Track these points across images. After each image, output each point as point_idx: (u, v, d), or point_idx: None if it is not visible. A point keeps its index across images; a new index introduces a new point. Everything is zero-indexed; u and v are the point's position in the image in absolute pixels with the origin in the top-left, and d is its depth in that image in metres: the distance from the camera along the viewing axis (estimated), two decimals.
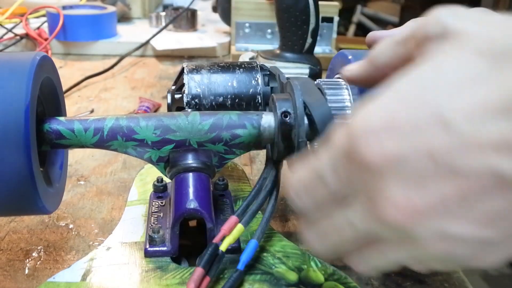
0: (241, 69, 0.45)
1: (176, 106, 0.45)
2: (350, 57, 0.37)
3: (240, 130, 0.39)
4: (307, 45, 0.75)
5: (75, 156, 0.59)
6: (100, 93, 0.82)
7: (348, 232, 0.25)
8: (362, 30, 3.53)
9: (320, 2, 0.75)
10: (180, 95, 0.44)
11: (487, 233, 0.21)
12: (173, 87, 0.45)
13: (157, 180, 0.46)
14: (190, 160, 0.39)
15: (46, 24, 1.03)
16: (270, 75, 0.45)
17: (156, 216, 0.42)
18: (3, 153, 0.32)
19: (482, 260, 0.22)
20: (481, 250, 0.22)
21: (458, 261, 0.23)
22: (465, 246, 0.22)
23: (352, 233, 0.25)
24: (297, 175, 0.26)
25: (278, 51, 0.78)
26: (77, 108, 0.74)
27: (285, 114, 0.38)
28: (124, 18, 1.21)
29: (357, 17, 3.56)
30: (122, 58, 0.96)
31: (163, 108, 0.74)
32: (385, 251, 0.24)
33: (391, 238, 0.23)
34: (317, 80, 0.39)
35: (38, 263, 0.41)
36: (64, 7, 1.04)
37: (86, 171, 0.56)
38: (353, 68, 0.34)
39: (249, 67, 0.45)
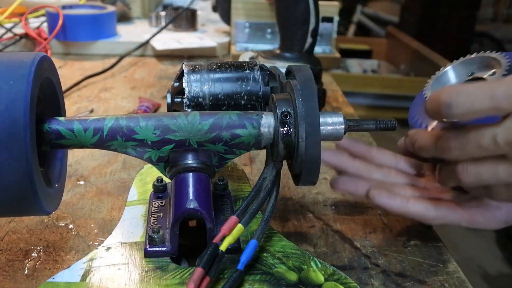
0: (241, 69, 0.45)
1: (176, 106, 0.45)
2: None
3: (240, 130, 0.39)
4: (307, 45, 0.75)
5: (74, 156, 0.59)
6: (99, 93, 0.82)
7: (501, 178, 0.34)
8: (362, 30, 3.53)
9: (320, 2, 0.75)
10: (180, 99, 0.44)
11: None
12: (175, 84, 0.45)
13: (157, 180, 0.46)
14: (190, 160, 0.39)
15: (45, 24, 1.03)
16: (270, 75, 0.45)
17: (156, 216, 0.42)
18: (3, 153, 0.32)
19: None
20: None
21: None
22: None
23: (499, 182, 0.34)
24: (465, 88, 0.33)
25: (278, 51, 0.78)
26: (77, 108, 0.74)
27: (285, 114, 0.38)
28: (124, 17, 1.21)
29: (357, 17, 3.56)
30: (121, 58, 0.96)
31: (163, 108, 0.74)
32: None
33: None
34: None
35: (37, 263, 0.41)
36: (63, 7, 1.04)
37: (85, 171, 0.56)
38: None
39: (249, 67, 0.45)
